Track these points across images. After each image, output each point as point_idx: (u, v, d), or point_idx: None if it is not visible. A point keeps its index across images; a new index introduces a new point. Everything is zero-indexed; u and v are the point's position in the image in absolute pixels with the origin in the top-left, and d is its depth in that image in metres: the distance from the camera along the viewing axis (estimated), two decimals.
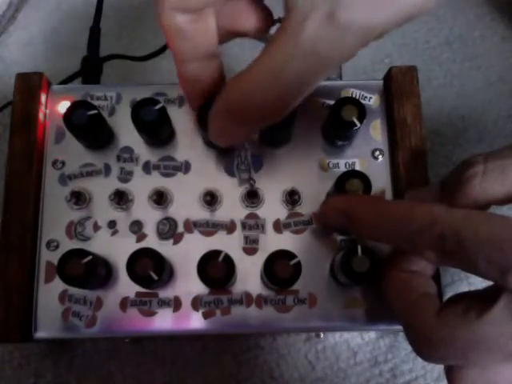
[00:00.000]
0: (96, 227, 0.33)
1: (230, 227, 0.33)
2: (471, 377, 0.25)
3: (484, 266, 0.23)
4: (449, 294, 0.39)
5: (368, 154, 0.35)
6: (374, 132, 0.35)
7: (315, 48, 0.23)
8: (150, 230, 0.33)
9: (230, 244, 0.33)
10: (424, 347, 0.26)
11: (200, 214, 0.33)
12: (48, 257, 0.33)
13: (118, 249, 0.33)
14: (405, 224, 0.26)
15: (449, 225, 0.24)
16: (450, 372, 0.26)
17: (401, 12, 0.22)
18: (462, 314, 0.24)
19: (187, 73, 0.28)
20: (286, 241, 0.33)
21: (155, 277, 0.29)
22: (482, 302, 0.24)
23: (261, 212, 0.34)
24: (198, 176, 0.34)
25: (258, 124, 0.27)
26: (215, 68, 0.28)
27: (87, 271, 0.29)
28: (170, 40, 0.27)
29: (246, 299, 0.32)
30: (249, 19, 0.28)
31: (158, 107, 0.31)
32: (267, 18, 0.28)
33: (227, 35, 0.29)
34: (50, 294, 0.32)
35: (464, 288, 0.40)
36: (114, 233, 0.33)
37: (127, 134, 0.35)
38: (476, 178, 0.26)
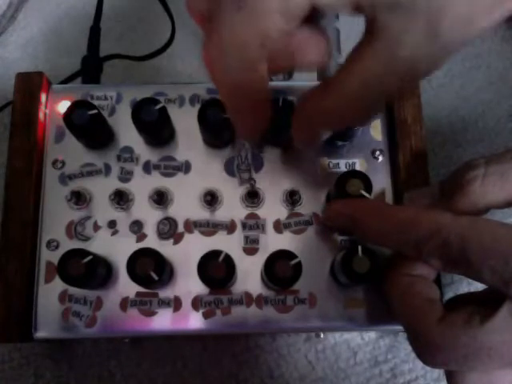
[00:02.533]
0: (96, 227, 0.33)
1: (230, 227, 0.33)
2: (471, 380, 0.25)
3: (488, 276, 0.23)
4: (449, 294, 0.39)
5: (368, 154, 0.35)
6: (374, 132, 0.35)
7: (413, 64, 0.22)
8: (150, 229, 0.33)
9: (230, 244, 0.33)
10: (426, 352, 0.26)
11: (200, 213, 0.33)
12: (48, 257, 0.33)
13: (118, 249, 0.33)
14: (410, 231, 0.26)
15: (454, 233, 0.24)
16: (450, 375, 0.26)
17: (497, 18, 0.21)
18: (464, 320, 0.24)
19: (246, 122, 0.28)
20: (287, 241, 0.33)
21: (155, 277, 0.29)
22: (484, 308, 0.24)
23: (261, 212, 0.34)
24: (199, 176, 0.34)
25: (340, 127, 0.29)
26: (269, 107, 0.28)
27: (87, 271, 0.29)
28: (228, 99, 0.26)
29: (247, 299, 0.32)
30: (314, 51, 0.25)
31: (158, 107, 0.31)
32: (328, 45, 0.25)
33: (284, 70, 0.28)
34: (49, 293, 0.32)
35: (464, 288, 0.40)
36: (114, 233, 0.33)
37: (127, 134, 0.35)
38: (476, 181, 0.26)
